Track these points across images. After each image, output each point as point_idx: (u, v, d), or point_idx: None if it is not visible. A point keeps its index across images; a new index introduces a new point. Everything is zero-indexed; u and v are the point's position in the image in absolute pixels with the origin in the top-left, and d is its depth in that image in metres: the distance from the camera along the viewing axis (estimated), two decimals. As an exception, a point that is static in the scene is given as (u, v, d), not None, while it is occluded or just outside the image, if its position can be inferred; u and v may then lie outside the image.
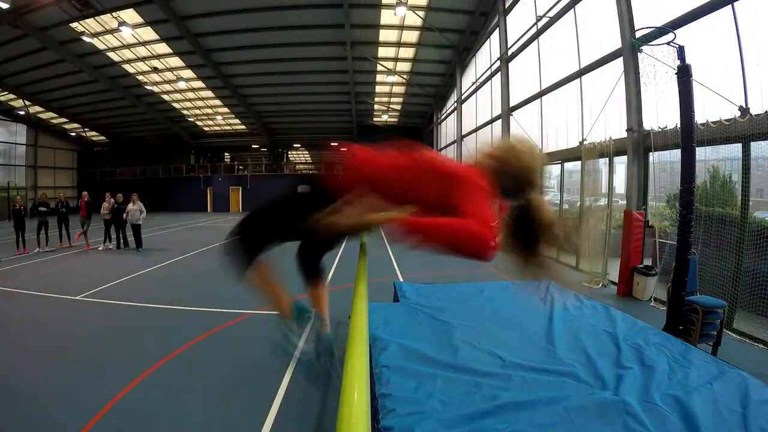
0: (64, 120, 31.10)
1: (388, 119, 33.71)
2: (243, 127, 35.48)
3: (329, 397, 4.12)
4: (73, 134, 33.74)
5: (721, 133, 5.59)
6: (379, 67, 23.61)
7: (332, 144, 38.74)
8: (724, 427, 2.34)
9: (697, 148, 4.83)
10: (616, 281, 8.21)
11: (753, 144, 5.31)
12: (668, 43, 5.53)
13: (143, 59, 22.54)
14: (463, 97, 22.45)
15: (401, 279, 9.27)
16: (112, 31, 19.27)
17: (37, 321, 6.64)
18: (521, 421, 2.56)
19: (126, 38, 20.13)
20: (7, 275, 9.79)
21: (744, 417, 2.42)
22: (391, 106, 31.16)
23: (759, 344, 5.16)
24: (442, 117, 28.02)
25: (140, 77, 24.87)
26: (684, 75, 4.88)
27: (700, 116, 5.30)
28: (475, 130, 20.52)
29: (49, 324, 6.49)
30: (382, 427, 2.50)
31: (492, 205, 1.48)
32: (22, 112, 27.23)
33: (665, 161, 7.19)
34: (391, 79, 24.88)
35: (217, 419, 3.89)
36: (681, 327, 4.63)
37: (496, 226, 1.39)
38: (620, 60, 8.56)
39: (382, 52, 22.35)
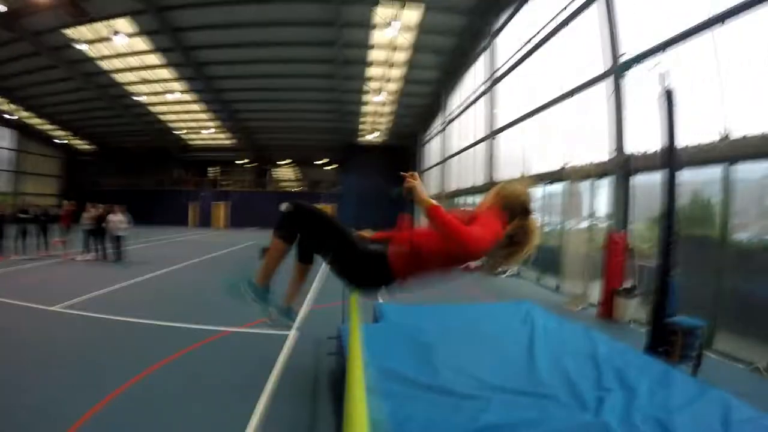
0: (51, 126, 30.72)
1: (375, 138, 33.92)
2: (230, 142, 35.38)
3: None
4: (59, 141, 33.26)
5: (701, 157, 5.71)
6: (367, 87, 23.84)
7: (317, 162, 38.82)
8: None
9: (678, 171, 4.90)
10: (597, 303, 8.23)
11: (733, 167, 5.42)
12: (652, 65, 5.67)
13: (134, 70, 22.47)
14: (448, 119, 22.72)
15: (381, 299, 9.17)
16: (104, 40, 19.20)
17: (9, 331, 6.38)
18: None
19: (118, 47, 20.08)
20: None
21: None
22: (378, 125, 31.40)
23: (739, 364, 5.21)
24: (428, 138, 28.29)
25: (130, 87, 24.75)
26: (666, 100, 4.99)
27: (682, 138, 5.39)
28: (460, 152, 20.72)
29: (22, 335, 6.26)
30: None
31: (493, 234, 2.23)
32: (9, 116, 26.77)
33: (646, 184, 7.30)
34: (378, 99, 25.13)
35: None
36: (662, 348, 4.65)
37: (488, 246, 2.18)
38: (603, 85, 8.76)
39: (371, 72, 22.60)
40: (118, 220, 13.26)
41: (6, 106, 25.89)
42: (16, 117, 27.32)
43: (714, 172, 5.67)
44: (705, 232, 5.96)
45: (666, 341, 4.66)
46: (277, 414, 4.19)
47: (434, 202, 2.11)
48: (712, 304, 5.59)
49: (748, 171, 5.30)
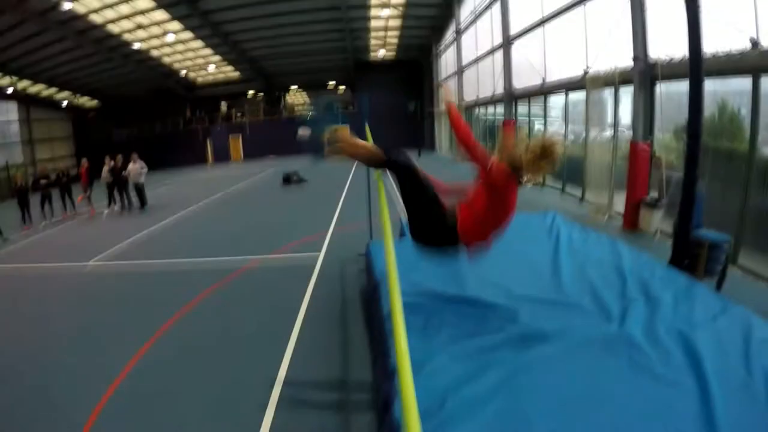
0: (54, 90, 30.25)
1: (386, 54, 32.64)
2: (237, 74, 34.51)
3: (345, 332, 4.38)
4: (65, 103, 32.83)
5: (730, 66, 5.41)
6: (373, 0, 22.59)
7: (329, 83, 37.89)
8: (726, 363, 2.40)
9: (705, 80, 4.69)
10: (622, 213, 8.27)
11: (764, 77, 5.15)
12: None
13: (127, 17, 21.65)
14: (461, 28, 21.64)
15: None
16: None
17: (50, 291, 6.84)
18: (529, 353, 2.65)
19: None
20: (16, 252, 9.89)
21: (746, 354, 2.47)
22: (387, 40, 30.08)
23: (763, 281, 5.16)
24: (441, 49, 27.15)
25: (126, 36, 23.92)
26: (692, 3, 4.67)
27: (709, 46, 5.10)
28: (476, 61, 19.95)
29: (64, 293, 6.71)
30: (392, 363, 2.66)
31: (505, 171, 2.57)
32: (10, 89, 26.40)
33: (672, 92, 6.99)
34: (386, 12, 23.83)
35: (240, 359, 4.19)
36: (686, 261, 4.68)
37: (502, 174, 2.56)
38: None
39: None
40: (137, 168, 13.55)
41: (6, 80, 25.44)
42: (17, 88, 26.86)
43: (743, 82, 5.39)
44: (732, 145, 5.77)
45: (691, 254, 4.70)
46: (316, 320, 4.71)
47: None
48: (739, 219, 5.53)
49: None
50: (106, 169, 13.58)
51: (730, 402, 2.09)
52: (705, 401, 2.12)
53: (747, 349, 2.51)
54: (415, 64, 33.92)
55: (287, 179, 16.63)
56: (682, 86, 5.77)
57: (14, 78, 25.71)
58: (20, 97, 28.34)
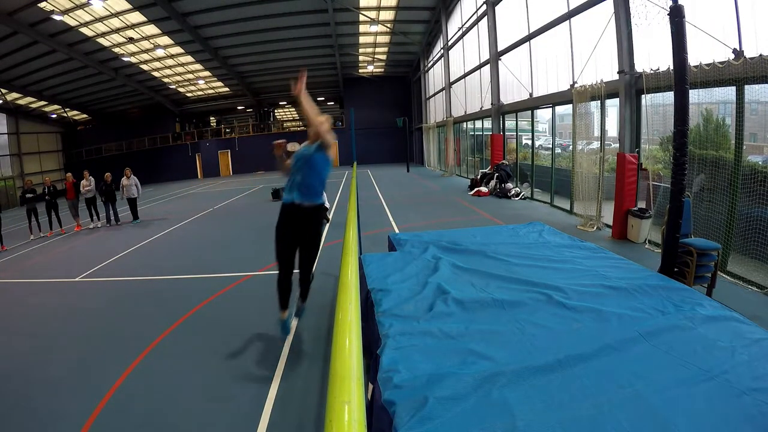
0: (43, 103, 30.13)
1: (374, 70, 32.97)
2: (226, 89, 34.65)
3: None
4: (54, 116, 32.69)
5: (714, 76, 5.50)
6: (362, 17, 22.87)
7: (318, 99, 38.11)
8: (713, 361, 2.44)
9: (690, 91, 4.75)
10: (611, 224, 8.34)
11: (747, 87, 5.24)
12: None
13: (117, 31, 21.73)
14: (449, 44, 21.95)
15: (396, 230, 9.42)
16: (82, 6, 18.54)
17: (41, 307, 6.63)
18: (513, 362, 2.55)
19: (97, 11, 19.37)
20: (4, 266, 9.62)
21: (732, 353, 2.50)
22: (376, 56, 30.42)
23: (752, 286, 5.20)
24: (429, 65, 27.47)
25: (116, 49, 24.03)
26: (676, 15, 4.77)
27: (694, 58, 5.19)
28: (464, 77, 20.21)
29: (54, 309, 6.51)
30: (381, 355, 2.67)
31: None
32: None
33: (658, 104, 7.09)
34: (374, 28, 24.13)
35: (230, 374, 4.09)
36: (676, 269, 4.70)
37: None
38: (611, 0, 8.33)
39: (364, 1, 21.61)
40: (131, 183, 13.51)
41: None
42: (6, 100, 26.69)
43: (728, 91, 5.50)
44: (718, 153, 5.86)
45: (680, 262, 4.73)
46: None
47: None
48: (726, 227, 5.57)
49: (763, 92, 5.13)
50: (84, 183, 13.41)
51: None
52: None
53: (734, 348, 2.54)
54: (404, 79, 34.33)
55: (276, 194, 16.61)
56: (668, 97, 5.86)
57: (3, 90, 25.57)
58: (10, 110, 28.10)
